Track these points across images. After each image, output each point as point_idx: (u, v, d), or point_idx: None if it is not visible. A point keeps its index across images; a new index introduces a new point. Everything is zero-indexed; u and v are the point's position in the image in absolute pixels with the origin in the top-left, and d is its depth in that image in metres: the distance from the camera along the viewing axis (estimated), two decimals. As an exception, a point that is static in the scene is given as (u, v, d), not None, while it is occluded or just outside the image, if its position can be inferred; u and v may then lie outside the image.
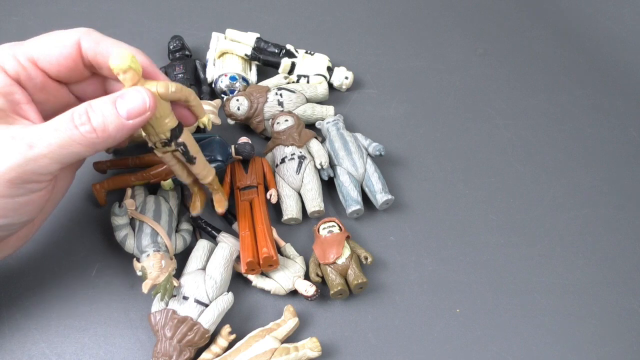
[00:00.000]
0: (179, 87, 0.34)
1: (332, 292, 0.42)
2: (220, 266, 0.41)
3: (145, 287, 0.38)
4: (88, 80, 0.37)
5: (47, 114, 0.35)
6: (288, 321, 0.40)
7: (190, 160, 0.37)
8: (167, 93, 0.33)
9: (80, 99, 0.38)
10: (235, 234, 0.45)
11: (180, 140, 0.35)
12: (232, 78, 0.54)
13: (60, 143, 0.30)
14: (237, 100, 0.51)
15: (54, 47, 0.34)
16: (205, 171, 0.40)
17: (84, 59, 0.35)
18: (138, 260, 0.41)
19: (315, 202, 0.47)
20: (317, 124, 0.53)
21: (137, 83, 0.32)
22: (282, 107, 0.52)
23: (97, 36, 0.35)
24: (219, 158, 0.46)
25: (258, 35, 0.58)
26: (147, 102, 0.32)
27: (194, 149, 0.37)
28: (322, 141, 0.52)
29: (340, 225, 0.45)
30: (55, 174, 0.32)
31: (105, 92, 0.38)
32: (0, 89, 0.33)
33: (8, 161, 0.30)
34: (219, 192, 0.43)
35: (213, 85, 0.55)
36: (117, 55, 0.31)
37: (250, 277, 0.43)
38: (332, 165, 0.50)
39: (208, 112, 0.49)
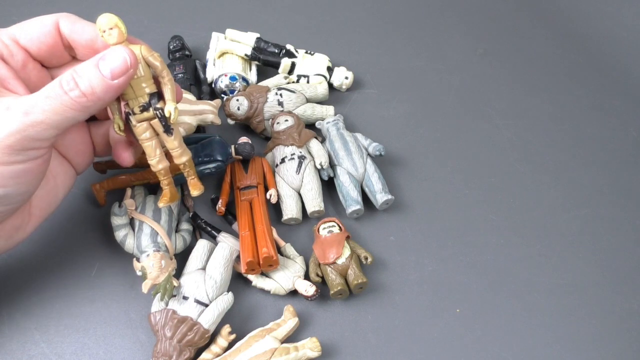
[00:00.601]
0: (160, 57, 0.35)
1: (332, 292, 0.42)
2: (220, 266, 0.41)
3: (145, 287, 0.38)
4: (68, 65, 0.38)
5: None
6: (288, 321, 0.40)
7: (168, 129, 0.36)
8: (149, 55, 0.34)
9: None
10: (235, 234, 0.45)
11: (158, 106, 0.35)
12: (232, 78, 0.54)
13: (53, 109, 0.31)
14: (237, 100, 0.51)
15: (34, 26, 0.35)
16: (182, 149, 0.38)
17: (63, 39, 0.36)
18: (138, 260, 0.41)
19: (315, 202, 0.47)
20: (317, 124, 0.53)
21: (122, 44, 0.33)
22: (282, 107, 0.52)
23: (75, 18, 0.36)
24: (219, 158, 0.46)
25: (258, 35, 0.58)
26: (127, 60, 0.33)
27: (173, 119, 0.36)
28: (322, 141, 0.52)
29: (340, 225, 0.45)
30: (52, 140, 0.33)
31: None
32: None
33: (6, 128, 0.31)
34: (194, 175, 0.40)
35: (213, 85, 0.55)
36: (103, 14, 0.33)
37: (250, 277, 0.43)
38: (332, 165, 0.50)
39: (208, 112, 0.49)
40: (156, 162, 0.37)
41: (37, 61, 0.37)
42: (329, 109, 0.54)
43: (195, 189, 0.40)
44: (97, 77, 0.32)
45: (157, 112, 0.35)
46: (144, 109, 0.35)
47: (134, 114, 0.35)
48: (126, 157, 0.39)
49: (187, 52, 0.57)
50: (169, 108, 0.35)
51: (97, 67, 0.32)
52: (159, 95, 0.35)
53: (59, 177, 0.38)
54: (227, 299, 0.40)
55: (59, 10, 0.37)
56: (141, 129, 0.36)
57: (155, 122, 0.36)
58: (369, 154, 0.50)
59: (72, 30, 0.36)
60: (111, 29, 0.33)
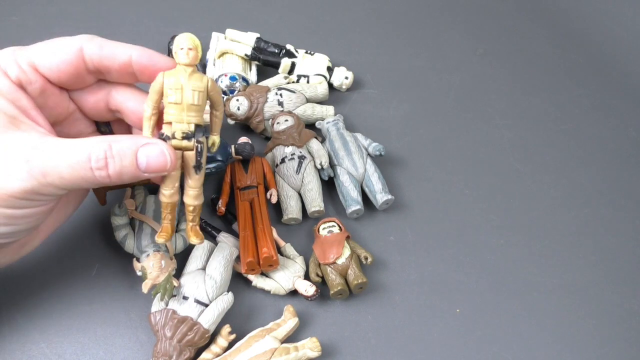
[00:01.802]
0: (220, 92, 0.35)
1: (332, 292, 0.42)
2: (220, 266, 0.41)
3: (145, 287, 0.38)
4: (90, 88, 0.37)
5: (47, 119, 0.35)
6: (288, 321, 0.40)
7: (199, 167, 0.35)
8: (214, 90, 0.34)
9: (80, 108, 0.37)
10: (235, 234, 0.45)
11: (201, 139, 0.34)
12: (232, 78, 0.54)
13: (71, 178, 0.30)
14: (237, 100, 0.51)
15: (55, 54, 0.33)
16: (200, 191, 0.36)
17: (88, 65, 0.34)
18: (138, 260, 0.41)
19: (315, 202, 0.47)
20: (317, 124, 0.53)
21: (194, 64, 0.33)
22: (282, 107, 0.52)
23: (100, 41, 0.34)
24: (219, 158, 0.46)
25: (258, 35, 0.58)
26: (168, 161, 0.32)
27: (205, 160, 0.36)
28: (322, 141, 0.52)
29: (340, 225, 0.45)
30: (56, 198, 0.32)
31: (108, 104, 0.37)
32: (7, 94, 0.32)
33: (18, 183, 0.30)
34: (198, 222, 0.38)
35: (213, 85, 0.55)
36: (188, 34, 0.33)
37: (250, 277, 0.43)
38: (332, 165, 0.50)
39: (208, 112, 0.49)
40: (170, 195, 0.35)
41: (55, 86, 0.35)
42: (329, 109, 0.54)
43: (196, 237, 0.37)
44: (131, 164, 0.31)
45: (198, 146, 0.34)
46: (187, 137, 0.33)
47: (173, 138, 0.33)
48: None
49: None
50: (214, 139, 0.36)
51: (135, 155, 0.31)
52: (205, 130, 0.35)
53: (70, 195, 0.38)
54: (227, 299, 0.40)
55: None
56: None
57: (190, 155, 0.34)
58: (369, 154, 0.50)
59: (102, 56, 0.34)
60: (190, 49, 0.32)
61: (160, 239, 0.37)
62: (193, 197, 0.36)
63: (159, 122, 0.34)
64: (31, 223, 0.33)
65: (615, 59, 0.68)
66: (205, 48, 0.58)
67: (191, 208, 0.36)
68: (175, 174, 0.34)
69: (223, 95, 0.54)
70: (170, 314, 0.38)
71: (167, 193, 0.35)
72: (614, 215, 0.53)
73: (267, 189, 0.47)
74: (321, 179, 0.49)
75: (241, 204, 0.46)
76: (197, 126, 0.33)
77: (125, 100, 0.36)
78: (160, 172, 0.32)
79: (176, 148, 0.33)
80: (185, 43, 0.33)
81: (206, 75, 0.34)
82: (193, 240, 0.37)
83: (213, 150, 0.37)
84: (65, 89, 0.36)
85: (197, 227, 0.38)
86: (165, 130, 0.33)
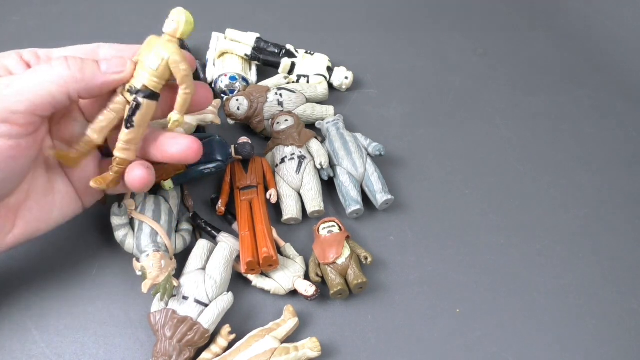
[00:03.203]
0: (188, 71, 0.36)
1: (332, 292, 0.42)
2: (220, 266, 0.41)
3: (145, 287, 0.38)
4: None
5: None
6: (288, 321, 0.40)
7: (128, 121, 0.35)
8: (177, 63, 0.35)
9: (84, 114, 0.38)
10: (235, 234, 0.45)
11: (140, 100, 0.35)
12: (232, 78, 0.54)
13: (37, 86, 0.32)
14: (237, 100, 0.51)
15: (74, 50, 0.36)
16: (126, 146, 0.36)
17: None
18: (138, 260, 0.41)
19: (315, 202, 0.47)
20: (317, 124, 0.53)
21: (169, 41, 0.35)
22: (282, 107, 0.52)
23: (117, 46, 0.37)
24: (219, 158, 0.46)
25: (258, 35, 0.58)
26: (127, 66, 0.35)
27: (141, 121, 0.36)
28: (322, 141, 0.52)
29: (340, 225, 0.45)
30: (26, 119, 0.32)
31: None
32: (10, 68, 0.34)
33: None
34: (115, 175, 0.37)
35: (213, 85, 0.55)
36: (182, 10, 0.34)
37: (250, 276, 0.43)
38: (332, 165, 0.50)
39: (207, 112, 0.49)
40: (98, 133, 0.36)
41: None
42: (329, 109, 0.54)
43: (100, 182, 0.37)
44: (93, 64, 0.34)
45: (134, 103, 0.35)
46: (130, 91, 0.35)
47: (123, 89, 0.36)
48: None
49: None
50: (171, 114, 0.36)
51: (98, 62, 0.34)
52: (153, 95, 0.35)
53: (59, 195, 0.37)
54: (227, 299, 0.40)
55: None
56: (114, 101, 0.36)
57: (125, 109, 0.36)
58: (368, 154, 0.50)
59: (118, 50, 0.37)
60: (172, 21, 0.34)
61: (94, 184, 0.37)
62: (118, 149, 0.36)
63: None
64: None
65: (615, 59, 0.68)
66: (205, 48, 0.58)
67: (115, 160, 0.37)
68: (113, 116, 0.36)
69: (223, 95, 0.54)
70: (170, 314, 0.38)
71: (94, 133, 0.36)
72: (613, 215, 0.52)
73: (267, 189, 0.47)
74: (321, 179, 0.49)
75: (241, 204, 0.46)
76: (145, 87, 0.35)
77: None
78: (118, 74, 0.34)
79: (123, 95, 0.36)
80: (174, 16, 0.34)
81: (180, 53, 0.35)
82: (92, 183, 0.37)
83: (170, 128, 0.37)
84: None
85: (111, 175, 0.37)
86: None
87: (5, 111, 0.31)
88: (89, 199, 0.40)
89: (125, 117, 0.36)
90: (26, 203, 0.36)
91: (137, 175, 0.36)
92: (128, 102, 0.35)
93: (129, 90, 0.35)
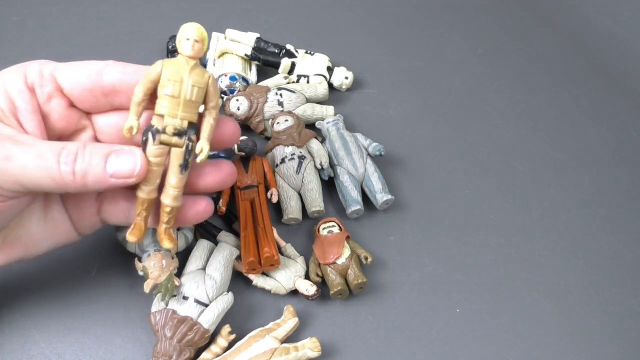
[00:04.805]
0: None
1: (332, 292, 0.42)
2: (220, 266, 0.41)
3: (147, 286, 0.38)
4: (106, 114, 0.35)
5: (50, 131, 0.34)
6: (288, 321, 0.40)
7: (186, 166, 0.32)
8: (213, 85, 0.32)
9: (95, 132, 0.36)
10: (235, 234, 0.45)
11: (193, 137, 0.32)
12: (232, 78, 0.54)
13: (35, 170, 0.29)
14: (237, 100, 0.51)
15: (80, 68, 0.33)
16: (180, 192, 0.33)
17: (105, 85, 0.33)
18: (139, 259, 0.41)
19: (315, 202, 0.47)
20: (317, 124, 0.53)
21: (198, 57, 0.32)
22: (282, 107, 0.52)
23: (123, 65, 0.33)
24: (222, 155, 0.46)
25: (258, 35, 0.58)
26: (137, 169, 0.30)
27: (192, 159, 0.33)
28: (322, 141, 0.52)
29: (340, 225, 0.45)
30: (13, 195, 0.30)
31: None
32: (10, 92, 0.32)
33: None
34: (172, 225, 0.35)
35: (213, 85, 0.55)
36: (196, 24, 0.31)
37: (251, 276, 0.43)
38: (332, 165, 0.50)
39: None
40: (149, 191, 0.32)
41: (66, 98, 0.34)
42: (329, 109, 0.54)
43: (169, 241, 0.35)
44: (99, 166, 0.30)
45: (189, 144, 0.31)
46: (178, 134, 0.31)
47: (163, 132, 0.31)
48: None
49: (187, 52, 0.57)
50: (202, 145, 0.32)
51: (105, 159, 0.30)
52: (197, 130, 0.32)
53: (51, 223, 0.35)
54: (227, 299, 0.40)
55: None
56: (158, 151, 0.31)
57: (178, 153, 0.32)
58: (369, 154, 0.50)
59: (123, 81, 0.33)
60: (197, 41, 0.31)
61: (131, 238, 0.33)
62: (173, 197, 0.33)
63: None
64: None
65: (615, 59, 0.68)
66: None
67: (168, 209, 0.33)
68: (158, 170, 0.32)
69: (223, 95, 0.54)
70: (170, 314, 0.38)
71: (146, 189, 0.32)
72: (613, 215, 0.53)
73: (267, 188, 0.47)
74: (321, 179, 0.49)
75: (242, 204, 0.46)
76: (190, 123, 0.31)
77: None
78: (127, 179, 0.31)
79: (164, 143, 0.31)
80: (192, 34, 0.31)
81: (208, 72, 0.32)
82: (165, 244, 0.35)
83: (199, 161, 0.32)
84: (82, 110, 0.35)
85: (171, 231, 0.35)
86: (156, 122, 0.31)
87: (4, 172, 0.29)
88: (86, 229, 0.38)
89: (180, 162, 0.32)
90: (17, 231, 0.34)
91: (203, 206, 0.35)
92: (176, 146, 0.31)
93: (175, 134, 0.31)
